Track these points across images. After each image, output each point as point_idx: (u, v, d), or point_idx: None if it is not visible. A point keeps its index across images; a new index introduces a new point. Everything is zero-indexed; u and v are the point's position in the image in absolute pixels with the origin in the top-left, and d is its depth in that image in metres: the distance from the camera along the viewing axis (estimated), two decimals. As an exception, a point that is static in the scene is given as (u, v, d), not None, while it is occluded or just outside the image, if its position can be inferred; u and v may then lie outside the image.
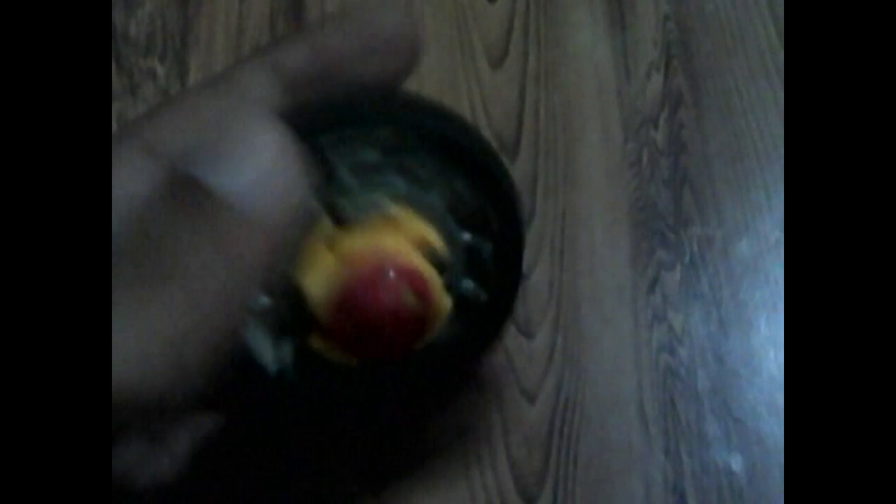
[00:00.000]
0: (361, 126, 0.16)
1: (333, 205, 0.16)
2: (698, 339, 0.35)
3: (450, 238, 0.17)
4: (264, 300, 0.16)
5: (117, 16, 0.39)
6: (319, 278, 0.16)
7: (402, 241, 0.16)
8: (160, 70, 0.39)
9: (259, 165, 0.13)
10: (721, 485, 0.33)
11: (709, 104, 0.39)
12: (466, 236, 0.17)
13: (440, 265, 0.17)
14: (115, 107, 0.38)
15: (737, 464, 0.33)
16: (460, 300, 0.17)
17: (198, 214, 0.13)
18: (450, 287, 0.17)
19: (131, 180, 0.14)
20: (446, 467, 0.33)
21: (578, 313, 0.35)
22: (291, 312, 0.16)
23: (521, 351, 0.34)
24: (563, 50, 0.40)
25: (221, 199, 0.13)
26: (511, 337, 0.35)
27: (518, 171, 0.37)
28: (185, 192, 0.13)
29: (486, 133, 0.38)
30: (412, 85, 0.41)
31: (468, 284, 0.18)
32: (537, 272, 0.36)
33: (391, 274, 0.15)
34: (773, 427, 0.33)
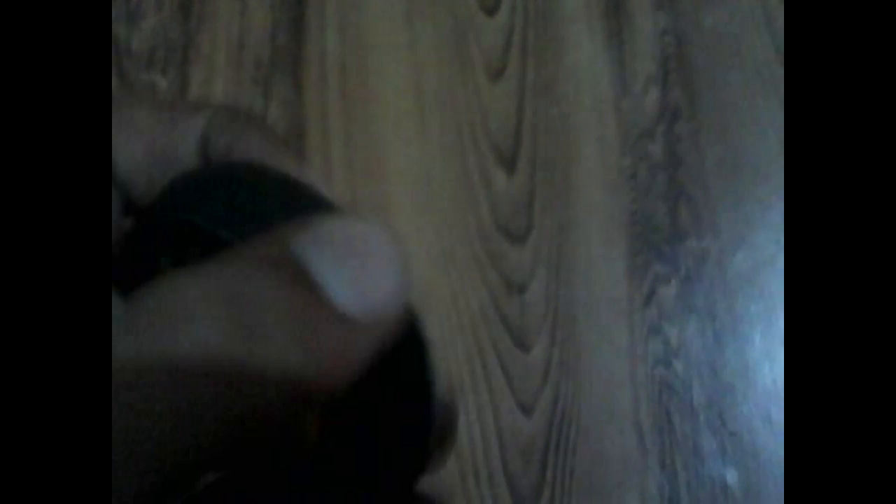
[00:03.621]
0: None
1: None
2: (694, 353, 0.35)
3: None
4: None
5: (120, 30, 0.40)
6: None
7: None
8: (162, 83, 0.39)
9: (387, 288, 0.12)
10: (716, 498, 0.33)
11: (706, 118, 0.39)
12: None
13: None
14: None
15: (732, 477, 0.33)
16: None
17: (297, 301, 0.11)
18: None
19: None
20: (442, 480, 0.33)
21: (575, 326, 0.35)
22: None
23: (517, 364, 0.35)
24: (562, 64, 0.40)
25: (334, 306, 0.12)
26: (508, 350, 0.35)
27: (515, 185, 0.38)
28: (292, 274, 0.12)
29: (484, 146, 0.38)
30: (410, 99, 0.42)
31: None
32: (534, 286, 0.36)
33: None
34: (768, 441, 0.34)
